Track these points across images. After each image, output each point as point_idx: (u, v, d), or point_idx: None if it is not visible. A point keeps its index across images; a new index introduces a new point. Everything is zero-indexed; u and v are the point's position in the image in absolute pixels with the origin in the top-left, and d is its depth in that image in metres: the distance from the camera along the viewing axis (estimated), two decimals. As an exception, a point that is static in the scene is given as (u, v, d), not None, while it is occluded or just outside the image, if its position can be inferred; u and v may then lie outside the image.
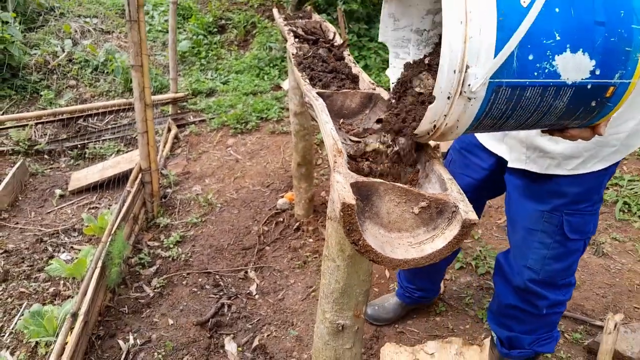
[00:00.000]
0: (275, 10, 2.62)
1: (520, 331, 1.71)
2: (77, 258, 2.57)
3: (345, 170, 0.85)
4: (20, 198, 3.27)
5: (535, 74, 0.76)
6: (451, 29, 0.74)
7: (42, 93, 4.31)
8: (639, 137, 1.30)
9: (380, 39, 1.14)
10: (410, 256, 0.80)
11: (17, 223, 3.04)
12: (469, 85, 0.74)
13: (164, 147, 3.74)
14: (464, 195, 0.83)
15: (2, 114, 4.08)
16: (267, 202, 3.01)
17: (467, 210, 0.79)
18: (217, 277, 2.52)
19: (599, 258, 2.48)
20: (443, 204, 0.82)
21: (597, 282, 2.33)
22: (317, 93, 1.31)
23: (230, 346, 2.15)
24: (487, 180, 1.62)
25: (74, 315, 2.04)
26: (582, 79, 0.79)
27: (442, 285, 2.38)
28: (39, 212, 3.17)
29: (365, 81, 1.43)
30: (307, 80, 1.40)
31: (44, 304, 2.37)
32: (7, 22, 4.31)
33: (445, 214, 0.83)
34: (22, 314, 2.33)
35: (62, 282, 2.59)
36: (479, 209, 1.85)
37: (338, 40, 1.96)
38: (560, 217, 1.40)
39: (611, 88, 0.81)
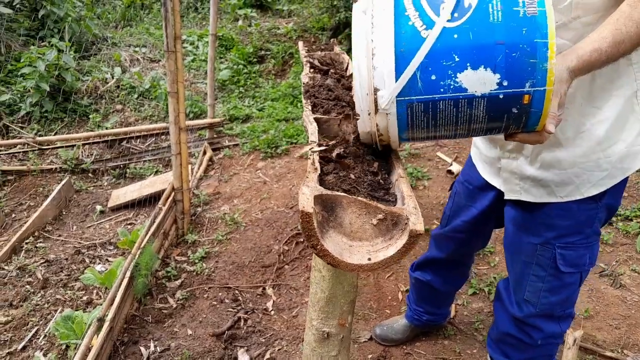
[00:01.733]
0: (300, 43, 2.79)
1: (517, 359, 1.72)
2: (109, 269, 2.76)
3: (314, 184, 0.96)
4: (64, 212, 3.53)
5: (442, 90, 0.92)
6: (360, 61, 0.96)
7: (90, 116, 4.65)
8: (632, 160, 1.29)
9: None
10: (364, 262, 0.89)
11: (59, 235, 3.28)
12: (380, 103, 0.95)
13: (199, 168, 3.95)
14: (418, 210, 0.92)
15: (54, 134, 4.43)
16: (290, 223, 3.14)
17: (416, 222, 0.88)
18: (237, 292, 2.65)
19: (616, 289, 2.45)
20: (397, 217, 0.92)
21: (611, 314, 2.30)
22: (315, 118, 1.43)
23: (243, 358, 2.26)
24: (491, 211, 1.67)
25: (100, 320, 2.20)
26: (490, 91, 0.92)
27: (453, 309, 2.42)
28: (80, 226, 3.42)
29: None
30: (309, 107, 1.52)
31: (76, 311, 2.56)
32: (62, 51, 4.70)
33: (400, 226, 0.92)
34: (55, 319, 2.53)
35: (95, 291, 2.78)
36: (485, 237, 1.90)
37: (351, 71, 2.09)
38: (553, 250, 1.41)
39: (526, 96, 0.92)
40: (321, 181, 1.03)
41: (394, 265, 2.65)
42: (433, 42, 0.91)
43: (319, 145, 1.16)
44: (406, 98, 0.93)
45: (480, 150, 1.61)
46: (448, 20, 0.92)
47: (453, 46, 0.91)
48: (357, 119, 1.03)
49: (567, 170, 1.31)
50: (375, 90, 0.95)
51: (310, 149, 1.12)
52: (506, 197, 1.50)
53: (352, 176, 1.05)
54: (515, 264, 1.58)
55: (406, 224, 0.90)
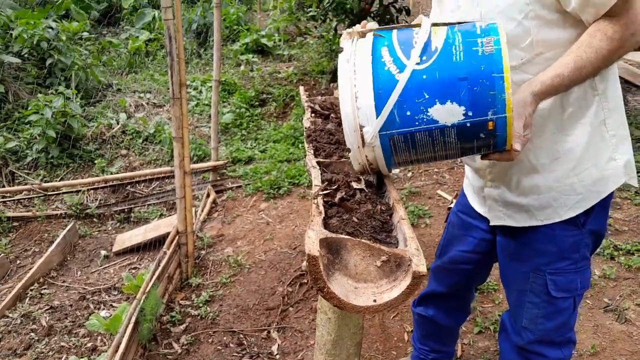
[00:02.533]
0: (301, 88, 2.88)
1: None
2: (114, 315, 2.75)
3: (319, 228, 0.99)
4: (69, 258, 3.54)
5: (417, 123, 1.07)
6: (346, 104, 1.11)
7: (96, 161, 4.72)
8: (604, 183, 1.36)
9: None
10: (369, 304, 0.92)
11: (64, 281, 3.29)
12: (366, 138, 1.10)
13: (202, 211, 3.98)
14: (420, 251, 0.96)
15: (59, 180, 4.49)
16: (293, 264, 3.15)
17: (418, 263, 0.91)
18: (241, 336, 2.64)
19: (622, 325, 2.44)
20: (400, 258, 0.95)
21: (618, 350, 2.29)
22: (318, 162, 1.48)
23: (249, 403, 2.23)
24: (488, 240, 1.71)
25: (105, 367, 2.19)
26: (458, 121, 1.06)
27: (459, 348, 2.40)
28: (84, 271, 3.43)
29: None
30: (311, 151, 1.58)
31: (81, 358, 2.55)
32: (69, 98, 4.82)
33: (403, 267, 0.95)
34: (61, 366, 2.51)
35: (99, 337, 2.77)
36: (485, 269, 1.92)
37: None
38: (544, 276, 1.46)
39: (490, 122, 1.05)
40: (325, 224, 1.07)
41: (399, 306, 2.65)
42: (405, 83, 1.05)
43: (323, 189, 1.20)
44: (387, 132, 1.08)
45: (470, 180, 1.69)
46: (417, 63, 1.06)
47: (422, 85, 1.05)
48: (349, 153, 1.18)
49: (545, 194, 1.39)
50: (361, 127, 1.10)
51: (314, 194, 1.16)
52: (491, 223, 1.56)
53: (355, 219, 1.09)
54: (511, 293, 1.62)
55: (409, 265, 0.93)
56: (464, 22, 1.13)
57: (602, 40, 1.13)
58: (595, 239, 1.46)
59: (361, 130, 1.09)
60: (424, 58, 1.06)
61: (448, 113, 1.04)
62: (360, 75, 1.09)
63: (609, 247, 2.99)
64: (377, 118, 1.07)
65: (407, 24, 1.20)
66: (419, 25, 1.15)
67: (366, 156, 1.14)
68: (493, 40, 1.05)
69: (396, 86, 1.05)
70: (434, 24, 1.13)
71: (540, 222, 1.42)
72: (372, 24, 1.20)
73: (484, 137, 1.08)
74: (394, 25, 1.20)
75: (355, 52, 1.12)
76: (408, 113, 1.05)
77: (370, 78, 1.07)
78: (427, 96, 1.05)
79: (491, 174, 1.48)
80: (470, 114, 1.04)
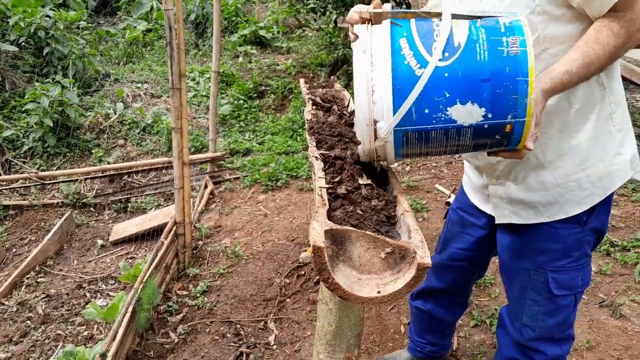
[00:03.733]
0: (301, 81, 2.87)
1: None
2: (111, 303, 2.75)
3: (324, 219, 0.99)
4: (65, 247, 3.54)
5: (434, 121, 1.03)
6: (362, 97, 1.06)
7: (93, 151, 4.71)
8: (611, 179, 1.36)
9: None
10: (373, 295, 0.92)
11: (60, 270, 3.28)
12: (379, 133, 1.06)
13: (200, 202, 3.98)
14: (425, 243, 0.96)
15: (56, 169, 4.47)
16: (291, 256, 3.15)
17: (423, 255, 0.92)
18: (238, 326, 2.64)
19: (617, 320, 2.46)
20: (405, 250, 0.95)
21: (612, 344, 2.31)
22: (321, 154, 1.48)
23: (246, 393, 2.24)
24: (486, 237, 1.72)
25: (103, 356, 2.19)
26: (477, 122, 1.03)
27: (455, 341, 2.42)
28: (81, 260, 3.42)
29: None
30: (314, 143, 1.57)
31: (77, 346, 2.55)
32: (66, 87, 4.79)
33: (407, 259, 0.95)
34: (57, 355, 2.51)
35: (96, 326, 2.77)
36: (483, 266, 1.94)
37: (352, 107, 2.15)
38: (545, 274, 1.47)
39: (508, 126, 1.03)
40: (329, 216, 1.07)
41: (402, 297, 2.66)
42: (426, 80, 1.01)
43: (327, 182, 1.20)
44: (402, 128, 1.05)
45: (470, 177, 1.68)
46: (439, 60, 1.01)
47: (444, 84, 1.01)
48: (359, 145, 1.16)
49: (551, 190, 1.39)
50: (375, 122, 1.06)
51: (318, 186, 1.16)
52: (497, 221, 1.55)
53: (359, 211, 1.09)
54: (512, 290, 1.63)
55: (413, 257, 0.94)
56: (486, 17, 1.09)
57: (609, 36, 1.13)
58: (597, 236, 1.47)
59: (375, 125, 1.06)
60: (446, 54, 1.02)
61: (467, 113, 1.02)
62: (379, 68, 1.04)
63: (605, 243, 3.01)
64: (394, 115, 1.03)
65: (424, 11, 1.14)
66: (436, 15, 1.11)
67: (376, 149, 1.11)
68: (519, 41, 1.02)
69: (417, 83, 1.01)
70: (454, 16, 1.08)
71: (547, 218, 1.42)
72: (387, 6, 1.15)
73: (499, 138, 1.06)
74: (409, 11, 1.14)
75: (372, 42, 1.07)
76: (426, 111, 1.02)
77: (390, 72, 1.03)
78: (447, 95, 1.01)
79: (496, 171, 1.48)
80: (489, 115, 1.02)
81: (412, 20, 1.09)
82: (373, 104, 1.05)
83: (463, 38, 1.03)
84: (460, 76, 1.01)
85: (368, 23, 1.13)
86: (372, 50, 1.06)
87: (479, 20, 1.07)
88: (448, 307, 2.01)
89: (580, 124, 1.32)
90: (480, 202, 1.65)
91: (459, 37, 1.03)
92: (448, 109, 1.02)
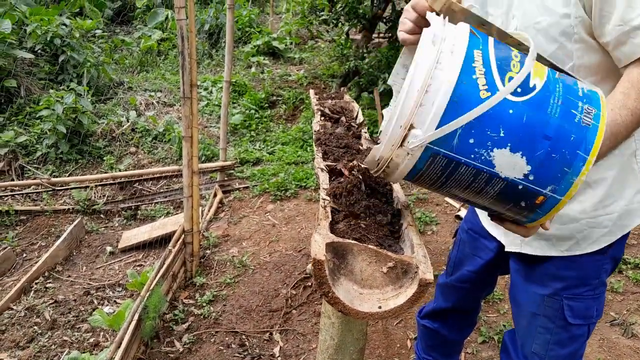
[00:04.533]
0: (311, 92, 2.88)
1: None
2: (117, 311, 2.76)
3: (326, 232, 0.99)
4: (74, 253, 3.56)
5: (472, 156, 0.89)
6: (410, 93, 0.89)
7: (105, 158, 4.75)
8: (632, 217, 1.31)
9: (389, 82, 1.27)
10: (374, 310, 0.91)
11: (69, 276, 3.30)
12: (409, 142, 0.89)
13: (209, 211, 3.99)
14: (428, 258, 0.95)
15: (68, 175, 4.51)
16: (298, 267, 3.14)
17: (425, 271, 0.90)
18: (244, 337, 2.63)
19: (628, 339, 2.41)
20: (407, 265, 0.94)
21: (624, 365, 2.26)
22: (326, 165, 1.48)
23: (249, 405, 2.22)
24: (496, 259, 1.66)
25: (107, 363, 2.19)
26: (514, 177, 0.90)
27: (462, 358, 2.38)
28: (90, 267, 3.44)
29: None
30: (319, 155, 1.57)
31: (83, 353, 2.55)
32: (80, 95, 4.86)
33: (410, 274, 0.94)
34: (63, 361, 2.52)
35: (102, 333, 2.77)
36: (492, 285, 1.89)
37: (360, 119, 2.15)
38: (560, 301, 1.40)
39: (541, 197, 0.91)
40: (332, 229, 1.06)
41: (404, 313, 2.64)
42: (489, 108, 0.87)
43: (330, 195, 1.19)
44: (435, 148, 0.89)
45: None
46: (511, 93, 0.89)
47: (505, 120, 0.88)
48: (377, 144, 0.98)
49: (569, 225, 1.33)
50: (411, 126, 0.89)
51: (322, 198, 1.15)
52: (507, 249, 1.49)
53: (362, 224, 1.08)
54: (521, 316, 1.55)
55: (416, 272, 0.93)
56: (567, 74, 1.00)
57: (637, 100, 1.03)
58: (614, 263, 1.42)
59: (408, 130, 0.89)
60: (519, 90, 0.89)
61: (510, 164, 0.89)
62: (444, 68, 0.88)
63: (617, 260, 2.96)
64: (436, 128, 0.87)
65: (502, 30, 1.03)
66: (516, 41, 1.01)
67: (392, 158, 0.94)
68: (593, 113, 0.91)
69: (478, 106, 0.86)
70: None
71: (560, 252, 1.36)
72: (469, 2, 1.04)
73: (522, 206, 0.94)
74: (487, 22, 1.02)
75: (445, 38, 0.92)
76: (471, 141, 0.88)
77: (455, 78, 0.87)
78: (502, 134, 0.87)
79: None
80: (531, 177, 0.90)
81: (491, 39, 0.97)
82: (420, 106, 0.88)
83: (540, 82, 0.92)
84: (524, 121, 0.88)
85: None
86: (442, 45, 0.91)
87: (557, 72, 0.98)
88: (456, 326, 1.98)
89: (603, 160, 1.22)
90: (491, 226, 1.59)
91: (536, 79, 0.92)
92: (494, 150, 0.88)
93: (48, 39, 5.41)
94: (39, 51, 5.56)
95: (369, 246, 0.96)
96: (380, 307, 0.92)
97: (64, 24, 5.59)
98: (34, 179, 4.32)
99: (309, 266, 3.11)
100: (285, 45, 7.99)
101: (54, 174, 4.51)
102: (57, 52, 5.54)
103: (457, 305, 1.89)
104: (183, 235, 3.14)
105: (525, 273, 1.49)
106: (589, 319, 1.43)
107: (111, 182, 4.30)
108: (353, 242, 0.97)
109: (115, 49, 7.29)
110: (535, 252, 1.41)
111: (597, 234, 1.32)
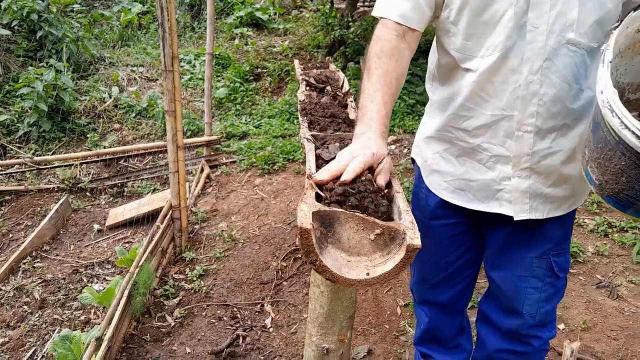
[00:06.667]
0: (296, 62, 2.83)
1: None
2: (107, 288, 2.75)
3: (312, 200, 0.97)
4: (61, 232, 3.53)
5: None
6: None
7: (88, 135, 4.67)
8: None
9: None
10: (362, 277, 0.90)
11: (57, 255, 3.28)
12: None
13: (196, 186, 3.96)
14: (415, 224, 0.94)
15: (51, 154, 4.44)
16: (287, 239, 3.14)
17: (413, 237, 0.90)
18: (235, 309, 2.65)
19: (614, 301, 2.46)
20: (394, 232, 0.93)
21: (609, 325, 2.31)
22: (312, 135, 1.45)
23: (242, 376, 2.25)
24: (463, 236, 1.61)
25: (99, 340, 2.19)
26: None
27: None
28: (77, 245, 3.41)
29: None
30: (305, 125, 1.55)
31: (74, 330, 2.55)
32: (60, 71, 4.74)
33: (397, 240, 0.93)
34: (53, 339, 2.51)
35: (92, 310, 2.77)
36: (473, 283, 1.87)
37: (346, 88, 2.12)
38: (549, 259, 1.46)
39: None
40: (318, 198, 1.05)
41: (392, 280, 2.66)
42: None
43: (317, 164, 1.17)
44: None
45: (458, 177, 1.47)
46: None
47: None
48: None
49: (572, 184, 1.38)
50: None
51: (308, 167, 1.13)
52: (516, 218, 1.41)
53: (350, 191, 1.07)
54: (507, 282, 1.53)
55: (403, 238, 0.92)
56: None
57: None
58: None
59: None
60: None
61: None
62: None
63: (603, 224, 3.00)
64: None
65: None
66: None
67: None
68: None
69: None
70: None
71: (562, 211, 1.40)
72: None
73: None
74: None
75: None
76: None
77: None
78: None
79: (527, 163, 1.34)
80: None
81: None
82: None
83: None
84: None
85: None
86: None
87: None
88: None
89: None
90: (480, 201, 1.46)
91: None
92: None
93: (24, 14, 5.24)
94: (16, 27, 5.40)
95: (356, 213, 0.95)
96: (368, 274, 0.91)
97: (40, -1, 5.41)
98: (17, 158, 4.24)
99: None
100: (269, 15, 7.84)
101: (37, 152, 4.43)
102: (35, 27, 5.38)
103: (448, 302, 1.76)
104: (171, 211, 3.12)
105: (522, 239, 1.48)
106: (567, 271, 1.53)
107: (96, 159, 4.24)
108: (340, 210, 0.96)
109: (95, 24, 7.09)
110: (542, 216, 1.40)
111: (587, 187, 1.34)
